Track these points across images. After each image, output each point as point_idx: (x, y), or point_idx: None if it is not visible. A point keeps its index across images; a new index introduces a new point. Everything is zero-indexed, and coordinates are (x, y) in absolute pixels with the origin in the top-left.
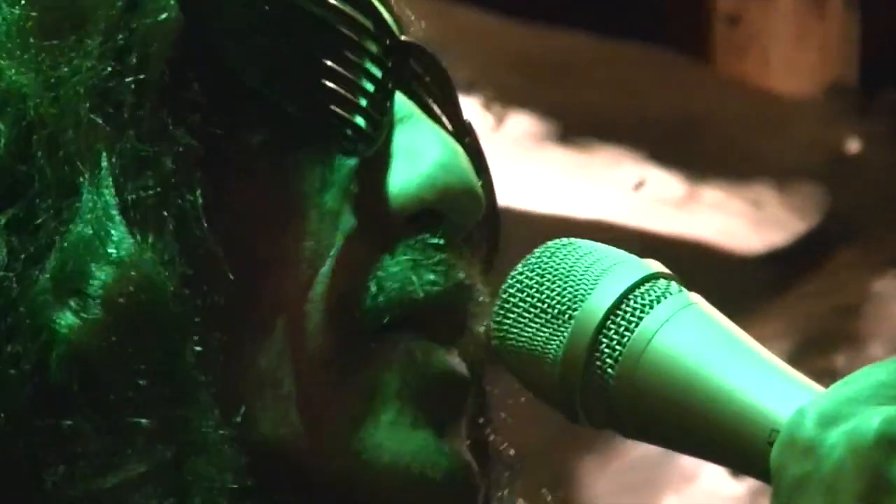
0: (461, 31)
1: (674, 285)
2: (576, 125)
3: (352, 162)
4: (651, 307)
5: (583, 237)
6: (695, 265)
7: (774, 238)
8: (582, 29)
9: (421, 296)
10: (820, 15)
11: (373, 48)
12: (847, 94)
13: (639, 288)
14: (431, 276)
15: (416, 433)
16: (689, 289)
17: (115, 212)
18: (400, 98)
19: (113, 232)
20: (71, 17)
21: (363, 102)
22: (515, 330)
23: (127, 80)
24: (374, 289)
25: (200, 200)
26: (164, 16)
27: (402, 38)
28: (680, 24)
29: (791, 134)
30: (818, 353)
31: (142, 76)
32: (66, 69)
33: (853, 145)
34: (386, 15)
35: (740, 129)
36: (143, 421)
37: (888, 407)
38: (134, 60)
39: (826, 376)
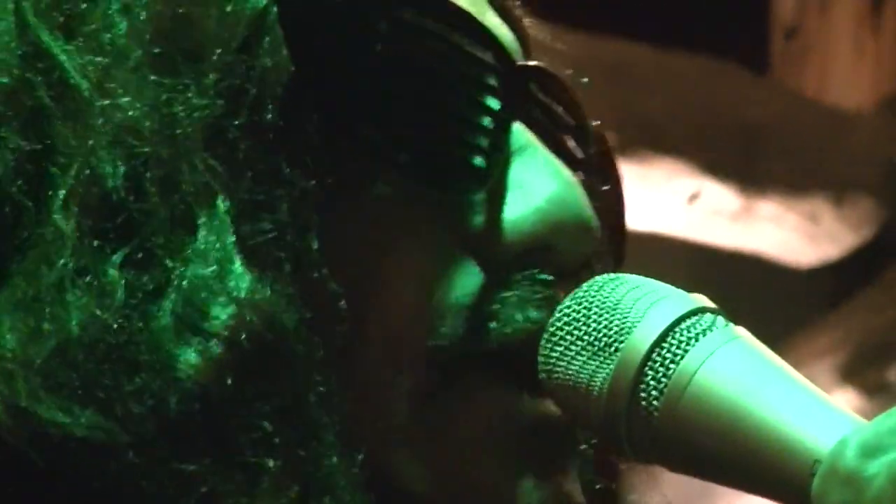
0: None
1: (720, 319)
2: (632, 136)
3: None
4: (696, 340)
5: (638, 250)
6: (749, 279)
7: (830, 251)
8: (638, 39)
9: (520, 336)
10: (875, 27)
11: (492, 81)
12: None
13: (684, 321)
14: (535, 314)
15: (518, 475)
16: (744, 302)
17: (234, 250)
18: (517, 128)
19: (233, 270)
20: (188, 54)
21: (480, 141)
22: (563, 363)
23: (241, 120)
24: (475, 331)
25: (316, 244)
26: (278, 58)
27: (521, 62)
28: (738, 35)
29: (848, 147)
30: (872, 366)
31: (256, 117)
32: (181, 107)
33: None
34: (508, 36)
35: (797, 141)
36: (270, 462)
37: None
38: (249, 101)
39: (880, 390)
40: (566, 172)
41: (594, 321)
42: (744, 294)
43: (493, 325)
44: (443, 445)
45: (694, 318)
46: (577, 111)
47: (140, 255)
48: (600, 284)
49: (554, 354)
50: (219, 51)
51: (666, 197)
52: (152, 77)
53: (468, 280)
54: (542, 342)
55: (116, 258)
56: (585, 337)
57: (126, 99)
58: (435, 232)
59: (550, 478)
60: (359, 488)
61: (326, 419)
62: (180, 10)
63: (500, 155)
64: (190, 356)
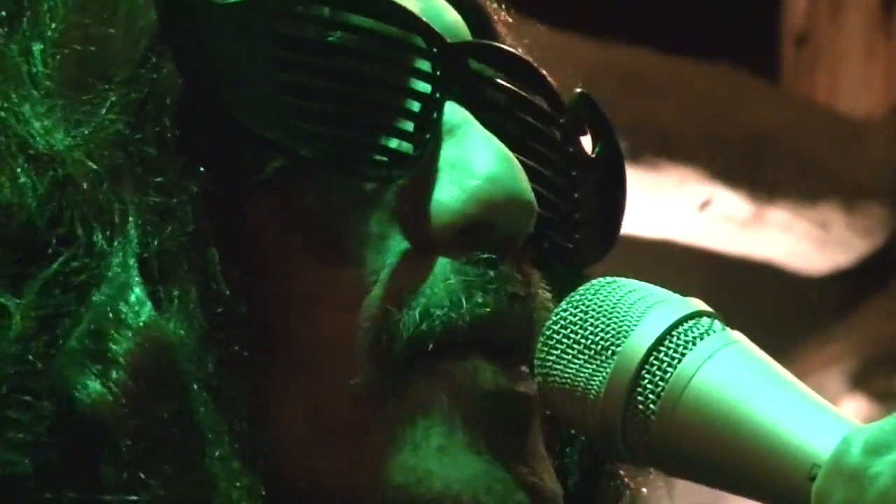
0: (527, 48)
1: (717, 323)
2: (643, 143)
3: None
4: (693, 345)
5: (648, 256)
6: (759, 285)
7: (840, 259)
8: (650, 46)
9: (467, 320)
10: (887, 34)
11: (420, 64)
12: None
13: (681, 325)
14: (481, 296)
15: (472, 458)
16: (754, 308)
17: (135, 275)
18: (450, 107)
19: (133, 297)
20: (96, 71)
21: (405, 126)
22: (559, 367)
23: (144, 134)
24: (416, 317)
25: (217, 255)
26: (170, 67)
27: (455, 41)
28: (749, 42)
29: (858, 154)
30: (882, 374)
31: (157, 128)
32: (92, 124)
33: None
34: (448, 16)
35: (807, 148)
36: (153, 482)
37: None
38: (151, 114)
39: (890, 397)
40: (501, 149)
41: (591, 325)
42: (754, 301)
43: (437, 311)
44: (397, 431)
45: (691, 322)
46: (538, 83)
47: (48, 282)
48: (597, 288)
49: (550, 358)
50: (124, 66)
51: (677, 204)
52: (62, 96)
53: (405, 266)
54: (539, 345)
55: (20, 286)
56: (582, 341)
57: (38, 120)
58: (370, 221)
59: (508, 457)
60: (255, 497)
61: (219, 431)
62: (90, 29)
63: (429, 138)
64: (90, 384)
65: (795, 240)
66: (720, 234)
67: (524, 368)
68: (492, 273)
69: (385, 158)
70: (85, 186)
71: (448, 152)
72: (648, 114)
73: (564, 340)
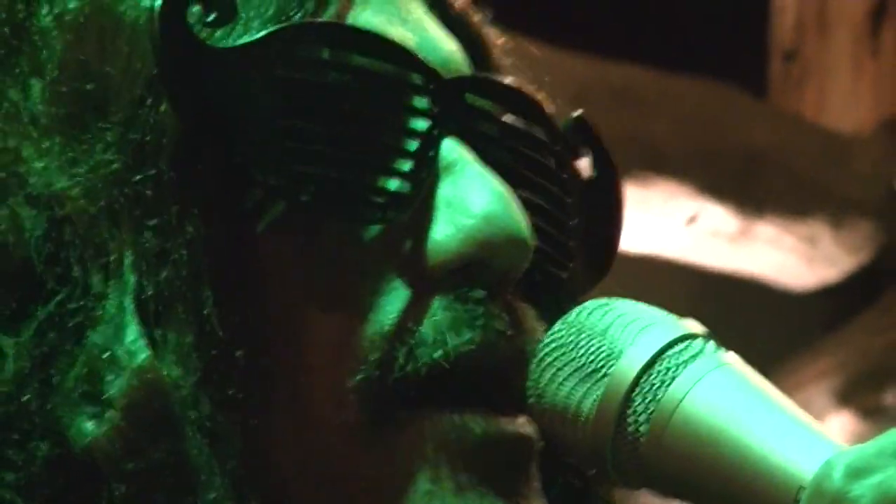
0: (521, 66)
1: (710, 345)
2: (633, 158)
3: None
4: (684, 367)
5: (637, 271)
6: (747, 301)
7: (828, 274)
8: (639, 62)
9: (451, 358)
10: (874, 50)
11: (417, 102)
12: None
13: (673, 347)
14: (468, 332)
15: (461, 498)
16: (742, 324)
17: (131, 317)
18: (448, 144)
19: (128, 338)
20: (94, 109)
21: (402, 166)
22: (551, 388)
23: (142, 175)
24: (402, 358)
25: (213, 298)
26: (168, 107)
27: (452, 76)
28: (737, 58)
29: (846, 170)
30: (869, 390)
31: (154, 170)
32: (90, 163)
33: None
34: (446, 49)
35: (795, 164)
36: None
37: None
38: (149, 154)
39: (877, 413)
40: (498, 186)
41: (583, 347)
42: (741, 316)
43: (423, 350)
44: (385, 475)
45: (683, 345)
46: (535, 112)
47: (44, 321)
48: (590, 310)
49: (543, 380)
50: (122, 104)
51: (665, 219)
52: (61, 134)
53: (396, 305)
54: (532, 367)
55: (17, 325)
56: (574, 362)
57: (39, 159)
58: (366, 260)
59: (504, 495)
60: None
61: (212, 472)
62: (89, 67)
63: (425, 177)
64: (85, 425)
65: (783, 255)
66: (708, 249)
67: (518, 407)
68: (480, 309)
69: (383, 200)
70: (82, 227)
71: (445, 190)
72: (638, 129)
73: (556, 362)
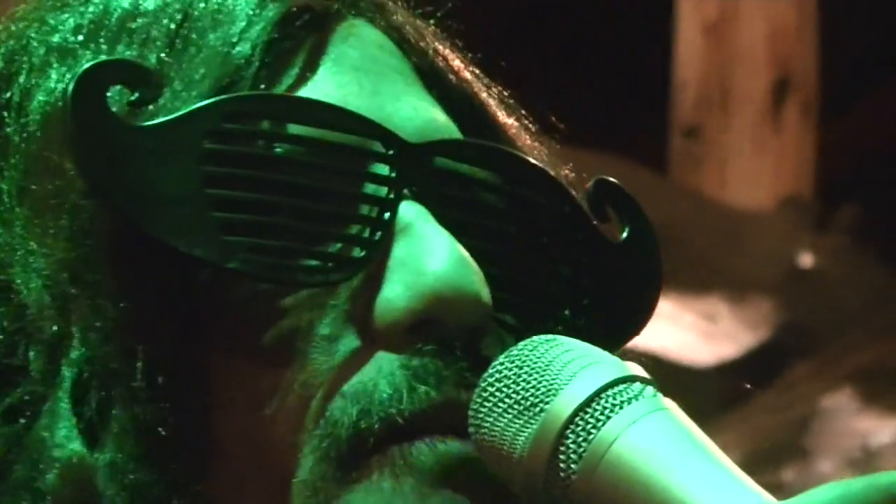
0: None
1: (648, 389)
2: None
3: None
4: (620, 408)
5: None
6: None
7: (726, 351)
8: (539, 135)
9: (406, 415)
10: (776, 129)
11: (379, 169)
12: (803, 207)
13: (612, 388)
14: (423, 388)
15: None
16: None
17: (66, 406)
18: (406, 205)
19: (62, 431)
20: (50, 202)
21: (356, 231)
22: (489, 420)
23: (89, 258)
24: (354, 415)
25: (152, 372)
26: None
27: (419, 141)
28: (638, 134)
29: (746, 247)
30: (767, 467)
31: (97, 253)
32: (43, 258)
33: (808, 259)
34: (427, 114)
35: (695, 240)
36: None
37: None
38: (93, 238)
39: (775, 490)
40: (453, 245)
41: (524, 381)
42: None
43: (377, 408)
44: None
45: (622, 386)
46: (525, 172)
47: (9, 413)
48: (535, 344)
49: (482, 411)
50: (74, 196)
51: None
52: (20, 226)
53: (352, 367)
54: (474, 397)
55: None
56: (513, 395)
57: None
58: (321, 323)
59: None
60: None
61: None
62: (50, 161)
63: (379, 239)
64: None
65: (682, 331)
66: None
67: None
68: (437, 363)
69: (320, 264)
70: (35, 315)
71: (399, 251)
72: None
73: (497, 394)
